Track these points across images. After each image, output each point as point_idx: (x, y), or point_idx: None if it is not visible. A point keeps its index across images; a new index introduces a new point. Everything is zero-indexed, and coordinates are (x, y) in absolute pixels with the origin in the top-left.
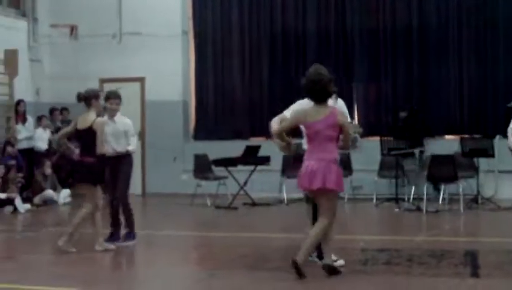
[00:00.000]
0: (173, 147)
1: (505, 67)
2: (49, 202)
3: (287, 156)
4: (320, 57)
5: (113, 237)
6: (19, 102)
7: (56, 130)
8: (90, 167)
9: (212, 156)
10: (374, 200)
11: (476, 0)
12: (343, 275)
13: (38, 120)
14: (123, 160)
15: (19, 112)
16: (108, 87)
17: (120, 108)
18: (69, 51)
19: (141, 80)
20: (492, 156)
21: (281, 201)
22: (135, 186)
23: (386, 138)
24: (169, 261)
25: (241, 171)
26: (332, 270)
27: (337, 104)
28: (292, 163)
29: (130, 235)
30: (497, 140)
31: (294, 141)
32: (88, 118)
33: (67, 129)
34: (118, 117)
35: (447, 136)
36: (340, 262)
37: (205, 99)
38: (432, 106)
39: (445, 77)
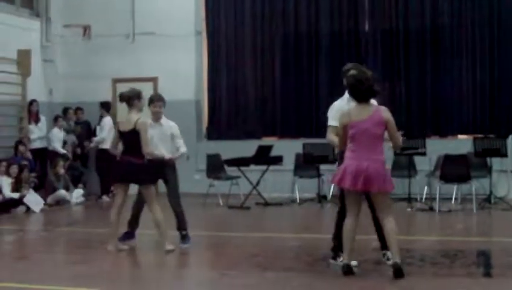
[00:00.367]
0: (186, 147)
1: None
2: (61, 202)
3: (299, 155)
4: (332, 58)
5: (127, 235)
6: (31, 102)
7: (71, 131)
8: (138, 167)
9: (225, 155)
10: None
11: (489, 2)
12: (356, 275)
13: (55, 120)
14: (168, 164)
15: (31, 112)
16: (121, 87)
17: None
18: (82, 51)
19: (154, 79)
20: (505, 155)
21: (293, 201)
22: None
23: None
24: (182, 261)
25: (254, 171)
26: (399, 271)
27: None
28: (303, 163)
29: (187, 237)
30: (510, 140)
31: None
32: (130, 119)
33: (114, 138)
34: (164, 120)
35: (459, 136)
36: (354, 263)
37: (218, 99)
38: (445, 105)
39: (458, 77)
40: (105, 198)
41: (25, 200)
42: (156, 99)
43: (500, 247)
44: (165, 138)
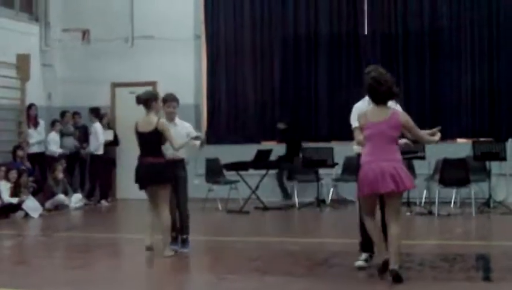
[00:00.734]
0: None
1: None
2: (60, 207)
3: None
4: (332, 61)
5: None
6: (30, 106)
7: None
8: (157, 167)
9: (224, 160)
10: None
11: (488, 4)
12: (355, 279)
13: (52, 124)
14: (180, 164)
15: (30, 116)
16: (120, 91)
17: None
18: (81, 55)
19: (153, 84)
20: (505, 159)
21: (292, 205)
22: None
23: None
24: (181, 265)
25: (253, 176)
26: (397, 276)
27: (397, 106)
28: (303, 167)
29: (187, 242)
30: (509, 143)
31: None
32: (150, 120)
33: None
34: (178, 120)
35: (459, 140)
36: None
37: (217, 103)
38: (444, 109)
39: (457, 81)
40: (104, 203)
41: (24, 206)
42: (170, 100)
43: (499, 251)
44: (180, 137)
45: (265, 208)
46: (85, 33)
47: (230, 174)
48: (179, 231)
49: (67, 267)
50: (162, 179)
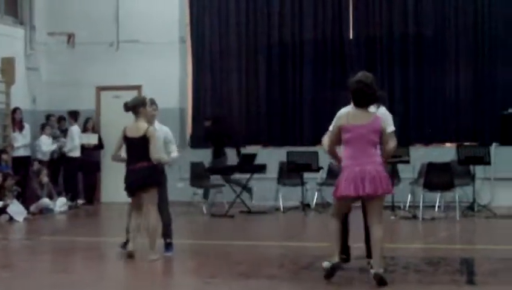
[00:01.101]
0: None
1: (501, 75)
2: (45, 211)
3: (283, 163)
4: (316, 66)
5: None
6: (15, 110)
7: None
8: (145, 171)
9: (208, 164)
10: None
11: (473, 9)
12: (339, 283)
13: (43, 127)
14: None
15: (15, 119)
16: (105, 95)
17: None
18: (66, 59)
19: (138, 87)
20: (489, 163)
21: (277, 209)
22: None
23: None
24: (165, 269)
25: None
26: (381, 280)
27: (379, 111)
28: (287, 171)
29: (171, 245)
30: (493, 148)
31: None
32: (140, 126)
33: (117, 143)
34: (157, 124)
35: (443, 144)
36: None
37: (202, 107)
38: (428, 113)
39: (442, 85)
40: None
41: (8, 210)
42: (151, 103)
43: (483, 254)
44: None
45: (250, 212)
46: (70, 37)
47: (215, 178)
48: (162, 235)
49: (52, 271)
50: (150, 182)
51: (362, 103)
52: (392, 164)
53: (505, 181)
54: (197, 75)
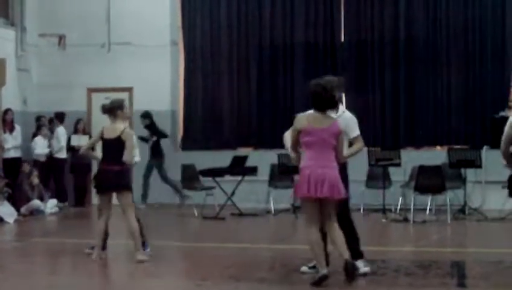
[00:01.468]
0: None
1: (492, 78)
2: (35, 212)
3: (274, 166)
4: (308, 69)
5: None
6: (6, 111)
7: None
8: (118, 173)
9: (200, 166)
10: (361, 211)
11: (463, 12)
12: (329, 286)
13: (38, 128)
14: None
15: (6, 121)
16: (96, 97)
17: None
18: (57, 60)
19: (129, 89)
20: (480, 166)
21: (268, 211)
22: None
23: (373, 149)
24: (156, 272)
25: (229, 182)
26: (352, 266)
27: (344, 115)
28: (278, 174)
29: (146, 244)
30: (485, 151)
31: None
32: (116, 127)
33: (92, 140)
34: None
35: (434, 147)
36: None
37: (193, 109)
38: (420, 116)
39: (433, 88)
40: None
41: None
42: (123, 104)
43: (474, 258)
44: None
45: (241, 214)
46: (61, 38)
47: (206, 180)
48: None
49: (43, 272)
50: (124, 186)
51: (320, 107)
52: (383, 167)
53: (496, 184)
54: (188, 78)
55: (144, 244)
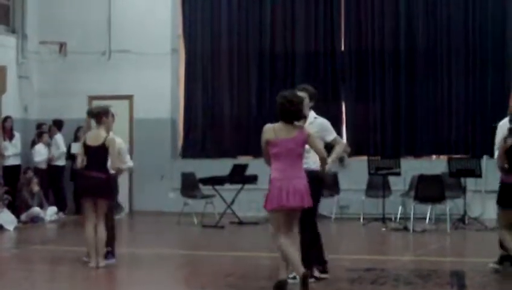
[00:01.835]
0: (161, 165)
1: (492, 88)
2: (35, 219)
3: None
4: (308, 77)
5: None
6: (5, 118)
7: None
8: (101, 182)
9: (200, 174)
10: (361, 220)
11: (464, 22)
12: None
13: (39, 136)
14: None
15: (5, 128)
16: (96, 104)
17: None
18: (58, 67)
19: (130, 97)
20: (480, 176)
21: (267, 220)
22: (122, 204)
23: (373, 158)
24: (156, 280)
25: (229, 190)
26: (306, 278)
27: (316, 121)
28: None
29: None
30: (485, 160)
31: None
32: (100, 134)
33: (80, 152)
34: (111, 134)
35: (434, 156)
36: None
37: (193, 117)
38: (420, 126)
39: (433, 98)
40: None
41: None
42: (109, 112)
43: (473, 267)
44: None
45: (241, 223)
46: (62, 46)
47: (206, 189)
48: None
49: (43, 280)
50: (104, 194)
51: (285, 118)
52: (383, 176)
53: (496, 194)
54: (188, 86)
55: (112, 254)
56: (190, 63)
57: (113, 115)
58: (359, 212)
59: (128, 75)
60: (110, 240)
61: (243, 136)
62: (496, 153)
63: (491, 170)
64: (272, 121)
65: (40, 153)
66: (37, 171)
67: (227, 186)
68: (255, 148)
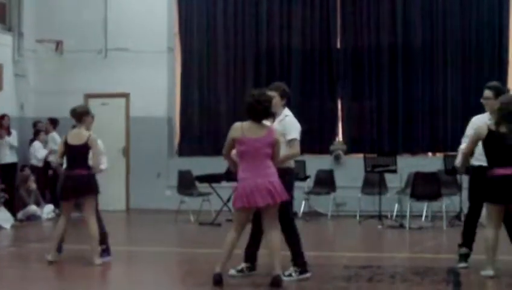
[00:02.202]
0: (157, 163)
1: None
2: (32, 218)
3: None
4: (304, 74)
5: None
6: (2, 116)
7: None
8: (84, 178)
9: (196, 172)
10: (358, 217)
11: (460, 19)
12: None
13: (36, 134)
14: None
15: (3, 126)
16: (93, 102)
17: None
18: (54, 66)
19: (126, 95)
20: None
21: None
22: (119, 202)
23: (369, 155)
24: (152, 278)
25: (225, 188)
26: (279, 282)
27: (286, 119)
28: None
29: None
30: None
31: None
32: (81, 134)
33: (60, 150)
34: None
35: (430, 154)
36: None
37: (190, 115)
38: (416, 123)
39: (429, 95)
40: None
41: None
42: (89, 112)
43: (469, 264)
44: None
45: None
46: (58, 44)
47: (202, 186)
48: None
49: (40, 278)
50: (89, 190)
51: (254, 117)
52: (380, 173)
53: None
54: (185, 84)
55: (107, 251)
56: (186, 61)
57: (92, 116)
58: (355, 209)
59: (124, 73)
60: (103, 238)
61: None
62: (463, 146)
63: None
64: None
65: (39, 151)
66: (34, 169)
67: (223, 183)
68: None
